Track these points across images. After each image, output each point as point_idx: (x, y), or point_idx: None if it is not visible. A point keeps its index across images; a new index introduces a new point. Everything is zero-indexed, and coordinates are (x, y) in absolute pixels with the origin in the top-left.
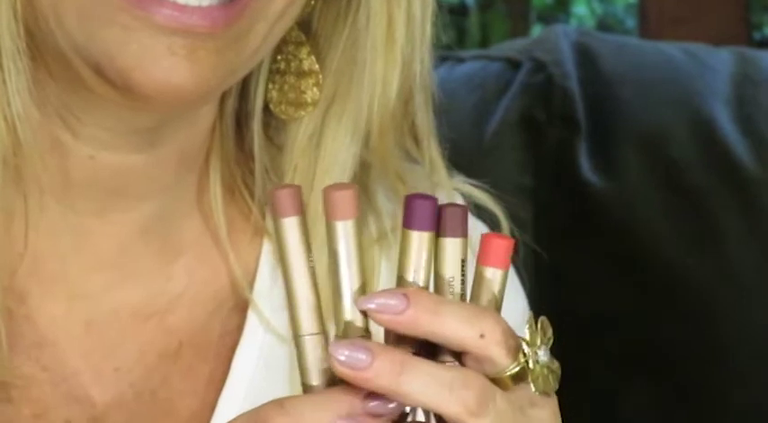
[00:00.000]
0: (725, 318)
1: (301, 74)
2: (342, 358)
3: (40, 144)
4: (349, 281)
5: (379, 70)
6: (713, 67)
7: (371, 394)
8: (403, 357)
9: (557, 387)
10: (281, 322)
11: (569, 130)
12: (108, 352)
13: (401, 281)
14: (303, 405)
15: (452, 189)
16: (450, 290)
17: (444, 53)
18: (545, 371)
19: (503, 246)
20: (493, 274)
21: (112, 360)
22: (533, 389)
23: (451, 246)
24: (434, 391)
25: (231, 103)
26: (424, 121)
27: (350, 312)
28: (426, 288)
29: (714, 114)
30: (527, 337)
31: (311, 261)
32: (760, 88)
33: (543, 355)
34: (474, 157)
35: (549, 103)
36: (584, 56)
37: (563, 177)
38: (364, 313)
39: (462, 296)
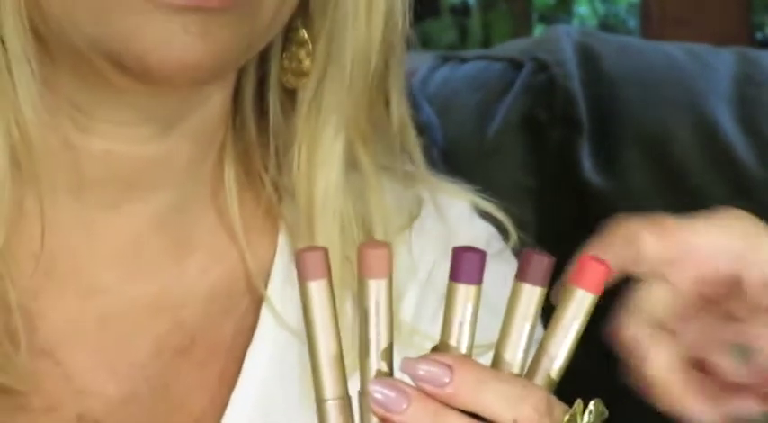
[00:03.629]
0: None
1: (300, 43)
2: (379, 397)
3: (52, 145)
4: (376, 340)
5: (362, 24)
6: (715, 67)
7: None
8: (436, 408)
9: None
10: (295, 319)
11: (571, 131)
12: (122, 346)
13: (445, 336)
14: None
15: (428, 181)
16: (520, 338)
17: (446, 53)
18: None
19: (602, 271)
20: (583, 297)
21: (127, 354)
22: None
23: (529, 293)
24: None
25: (250, 85)
26: (397, 79)
27: (375, 370)
28: (471, 347)
29: (716, 115)
30: None
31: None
32: (762, 88)
33: None
34: (476, 157)
35: (551, 103)
36: (587, 56)
37: (565, 178)
38: (390, 371)
39: (528, 345)
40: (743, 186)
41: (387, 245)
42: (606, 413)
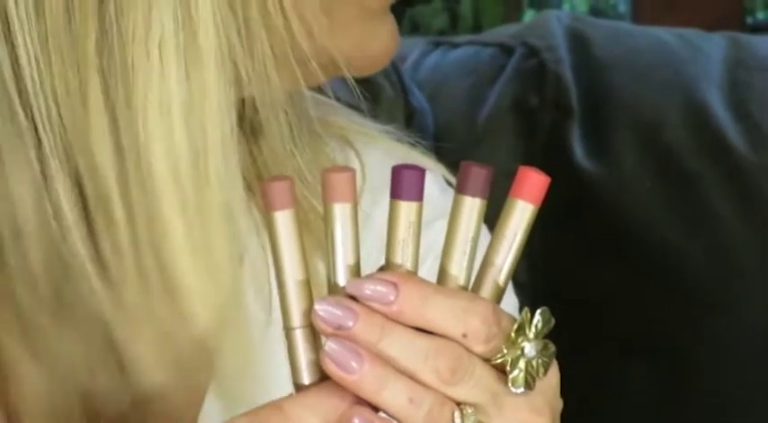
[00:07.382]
0: (718, 300)
1: None
2: (323, 315)
3: None
4: (344, 263)
5: None
6: (706, 52)
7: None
8: (383, 322)
9: (545, 374)
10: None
11: (562, 116)
12: None
13: (390, 255)
14: (302, 408)
15: (344, 127)
16: (465, 250)
17: (437, 38)
18: (530, 366)
19: (541, 181)
20: (524, 208)
21: None
22: (511, 387)
23: (470, 205)
24: (411, 359)
25: None
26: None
27: (341, 292)
28: (416, 263)
29: (707, 99)
30: (511, 335)
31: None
32: (753, 73)
33: (530, 350)
34: (467, 142)
35: (541, 88)
36: (577, 41)
37: (556, 163)
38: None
39: (471, 259)
40: (733, 170)
41: (351, 169)
42: (553, 321)
